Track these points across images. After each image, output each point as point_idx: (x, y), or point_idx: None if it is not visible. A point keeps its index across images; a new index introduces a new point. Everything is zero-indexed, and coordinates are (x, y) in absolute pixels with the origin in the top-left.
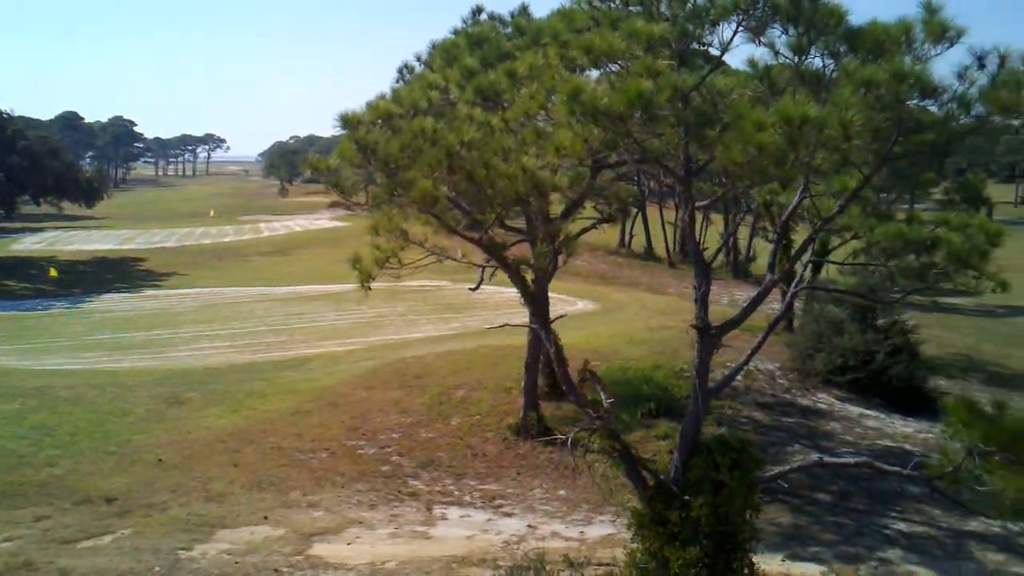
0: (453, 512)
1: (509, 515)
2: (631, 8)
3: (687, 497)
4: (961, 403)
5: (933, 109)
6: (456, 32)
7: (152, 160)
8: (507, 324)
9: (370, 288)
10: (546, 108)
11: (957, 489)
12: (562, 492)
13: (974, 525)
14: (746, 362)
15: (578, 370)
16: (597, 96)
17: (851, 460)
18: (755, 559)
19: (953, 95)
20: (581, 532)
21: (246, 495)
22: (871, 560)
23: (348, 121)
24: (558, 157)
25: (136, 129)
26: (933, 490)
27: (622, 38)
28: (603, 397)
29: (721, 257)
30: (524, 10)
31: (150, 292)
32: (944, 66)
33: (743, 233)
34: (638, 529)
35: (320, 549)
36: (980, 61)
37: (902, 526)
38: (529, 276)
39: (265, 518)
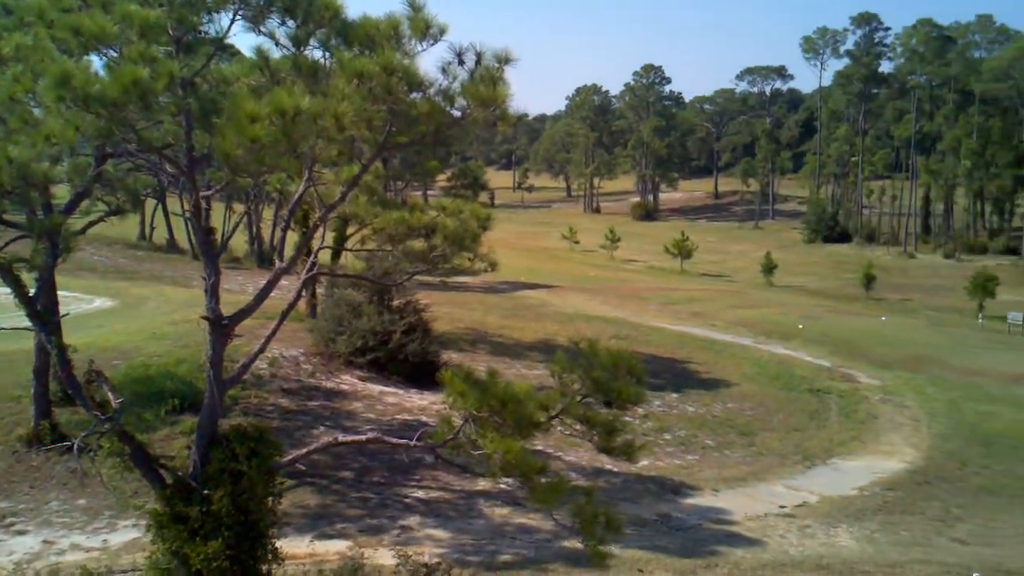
0: None
1: (22, 533)
2: None
3: (207, 491)
4: (457, 374)
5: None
6: None
7: None
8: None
9: None
10: (35, 93)
11: (457, 454)
12: (82, 501)
13: (483, 484)
14: (261, 350)
15: (84, 371)
16: (89, 82)
17: (363, 437)
18: (281, 543)
19: (439, 89)
20: (104, 540)
21: None
22: (393, 529)
23: None
24: (48, 146)
25: None
26: (437, 457)
27: (115, 22)
28: (111, 397)
29: (246, 246)
30: None
31: None
32: (431, 61)
33: (269, 222)
34: (158, 530)
35: None
36: (460, 58)
37: (420, 493)
38: (29, 274)
39: None
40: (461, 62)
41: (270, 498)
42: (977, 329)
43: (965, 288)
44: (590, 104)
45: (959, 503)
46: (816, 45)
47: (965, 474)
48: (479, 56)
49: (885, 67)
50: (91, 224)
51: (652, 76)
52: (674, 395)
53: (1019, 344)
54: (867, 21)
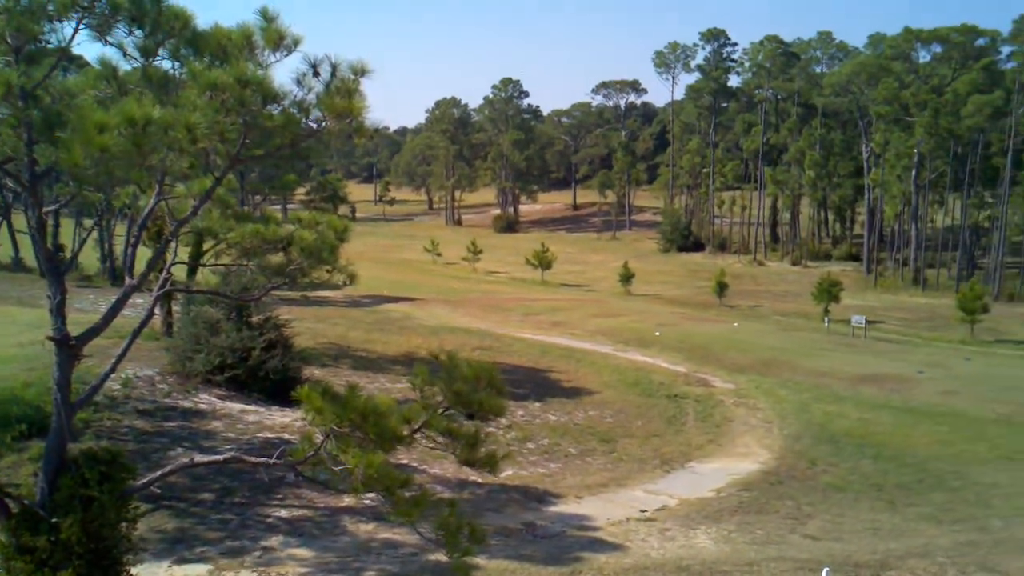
0: None
1: None
2: None
3: (55, 519)
4: (313, 390)
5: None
6: None
7: None
8: None
9: None
10: None
11: (320, 470)
12: None
13: (348, 501)
14: (112, 370)
15: None
16: None
17: (221, 457)
18: (138, 571)
19: (294, 100)
20: None
21: None
22: (255, 551)
23: None
24: None
25: None
26: (298, 475)
27: None
28: None
29: (98, 264)
30: None
31: None
32: (286, 72)
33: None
34: (4, 563)
35: None
36: (315, 69)
37: (283, 512)
38: None
39: None
40: (316, 73)
41: (124, 524)
42: (823, 333)
43: (811, 294)
44: (450, 117)
45: (810, 501)
46: (668, 60)
47: (815, 472)
48: (335, 67)
49: (734, 81)
50: None
51: (511, 89)
52: (537, 404)
53: (862, 346)
54: (716, 37)
